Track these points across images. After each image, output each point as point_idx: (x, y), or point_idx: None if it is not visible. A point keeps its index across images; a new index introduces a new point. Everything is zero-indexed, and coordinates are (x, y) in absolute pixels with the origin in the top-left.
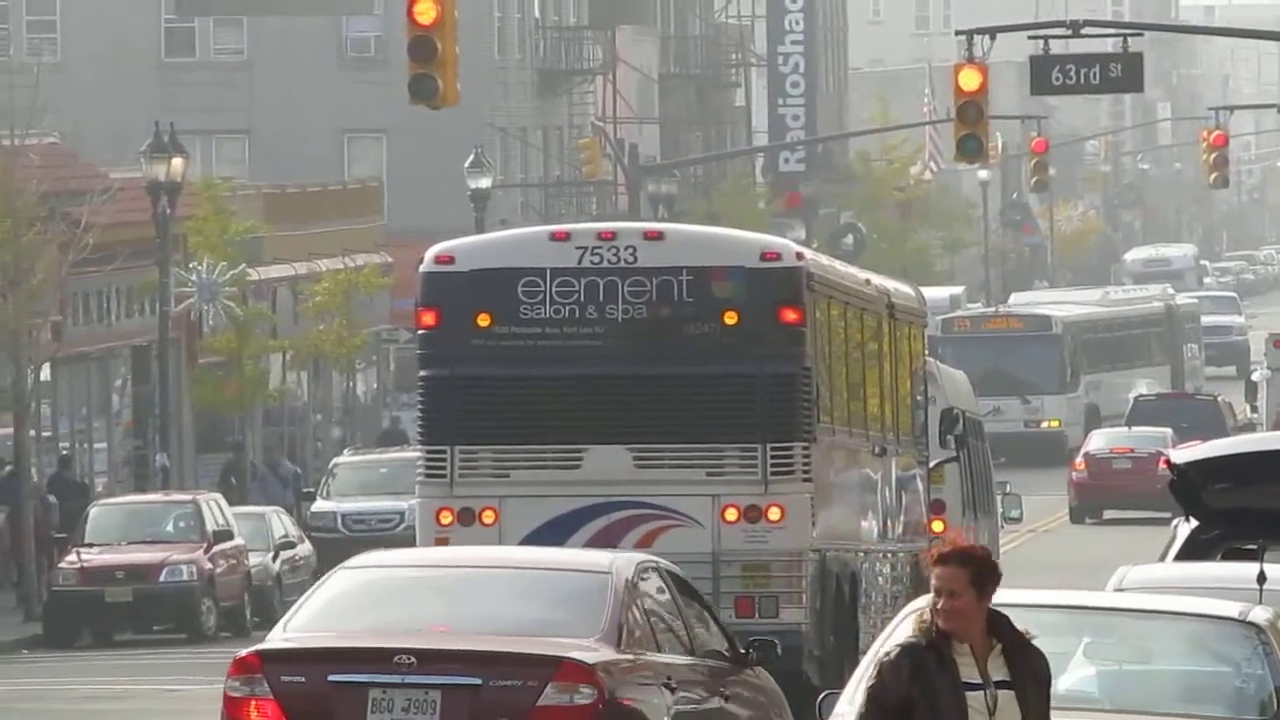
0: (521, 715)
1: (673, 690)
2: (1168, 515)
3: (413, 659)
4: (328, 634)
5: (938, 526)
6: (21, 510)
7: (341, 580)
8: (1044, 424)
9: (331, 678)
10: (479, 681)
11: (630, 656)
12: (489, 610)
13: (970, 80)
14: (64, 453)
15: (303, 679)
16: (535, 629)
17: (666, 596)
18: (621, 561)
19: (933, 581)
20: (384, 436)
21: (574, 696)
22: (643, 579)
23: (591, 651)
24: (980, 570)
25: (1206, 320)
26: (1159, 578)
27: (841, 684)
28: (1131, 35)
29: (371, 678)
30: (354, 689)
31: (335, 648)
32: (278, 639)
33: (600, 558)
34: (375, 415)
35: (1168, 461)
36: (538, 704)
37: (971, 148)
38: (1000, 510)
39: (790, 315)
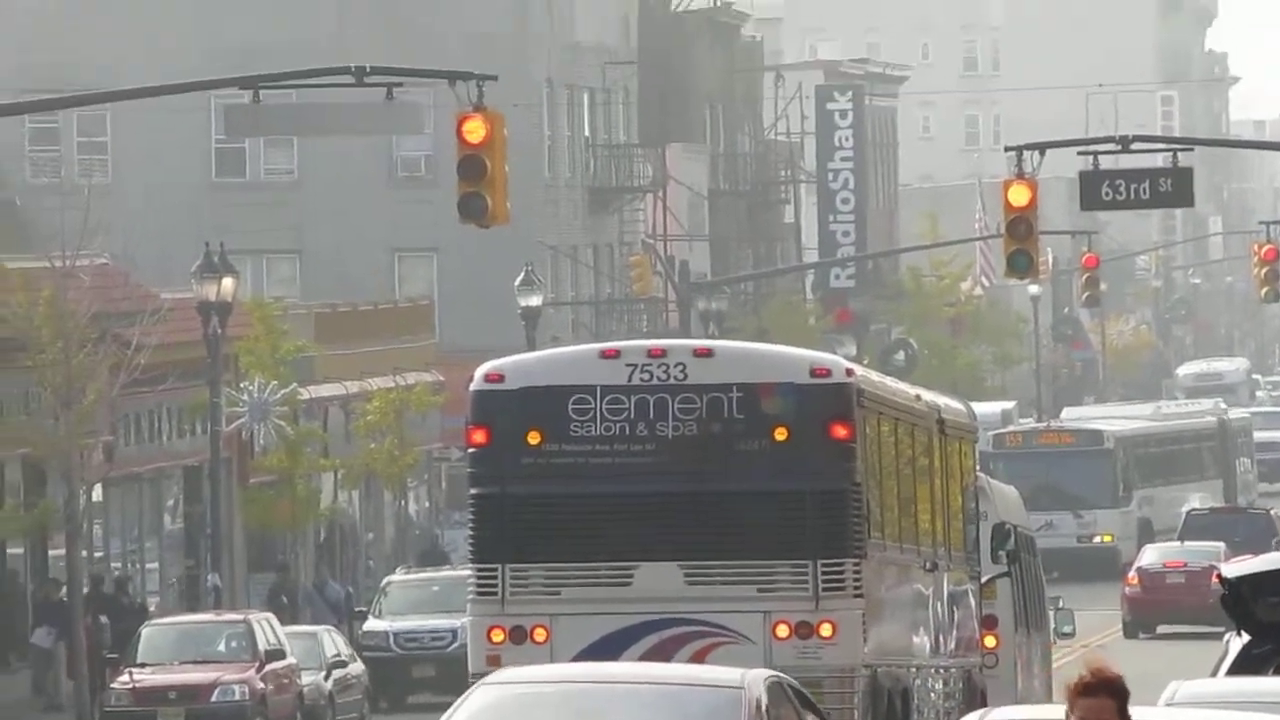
0: None
1: None
2: (1221, 630)
3: None
4: None
5: (990, 642)
6: (73, 631)
7: (483, 696)
8: (1096, 538)
9: None
10: None
11: None
12: None
13: (1020, 196)
14: (117, 574)
15: None
16: None
17: (791, 710)
18: (752, 676)
19: (1077, 712)
20: (424, 556)
21: None
22: (771, 693)
23: None
24: (1126, 700)
25: (1259, 435)
26: (1211, 693)
27: None
28: (1181, 150)
29: None
30: None
31: None
32: None
33: (732, 673)
34: (428, 534)
35: (1220, 576)
36: None
37: (1022, 263)
38: (1053, 625)
39: (840, 431)
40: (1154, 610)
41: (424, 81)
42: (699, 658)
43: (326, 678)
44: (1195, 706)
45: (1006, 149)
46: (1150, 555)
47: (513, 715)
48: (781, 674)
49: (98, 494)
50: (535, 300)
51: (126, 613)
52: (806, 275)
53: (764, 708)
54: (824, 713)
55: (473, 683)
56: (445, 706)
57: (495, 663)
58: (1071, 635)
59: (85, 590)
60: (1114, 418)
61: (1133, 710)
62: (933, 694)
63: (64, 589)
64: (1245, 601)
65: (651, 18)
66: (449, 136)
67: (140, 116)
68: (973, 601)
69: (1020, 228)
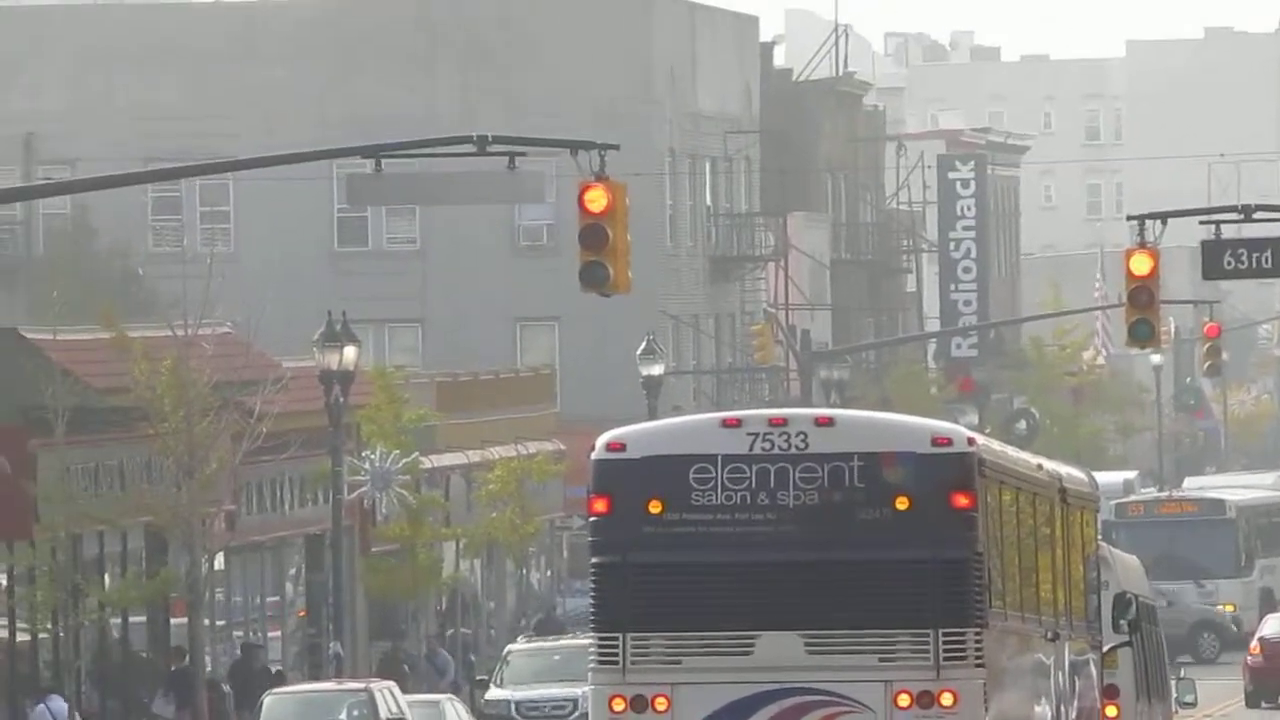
0: None
1: None
2: None
3: None
4: None
5: (1111, 712)
6: (196, 699)
7: None
8: (1218, 608)
9: None
10: None
11: None
12: None
13: (1142, 265)
14: (241, 641)
15: None
16: None
17: None
18: None
19: None
20: (541, 625)
21: None
22: None
23: None
24: None
25: None
26: None
27: None
28: None
29: None
30: None
31: None
32: None
33: None
34: (547, 603)
35: None
36: None
37: (1143, 333)
38: (1174, 695)
39: (962, 501)
40: (1276, 680)
41: (546, 151)
42: None
43: None
44: None
45: (1128, 218)
46: (1272, 625)
47: None
48: None
49: (220, 562)
50: (657, 369)
51: (257, 680)
52: (928, 344)
53: None
54: None
55: None
56: None
57: None
58: (1193, 705)
59: (235, 659)
60: (1236, 487)
61: None
62: None
63: (186, 657)
64: None
65: (773, 87)
66: (571, 205)
67: (262, 186)
68: (1094, 671)
69: (1142, 297)
